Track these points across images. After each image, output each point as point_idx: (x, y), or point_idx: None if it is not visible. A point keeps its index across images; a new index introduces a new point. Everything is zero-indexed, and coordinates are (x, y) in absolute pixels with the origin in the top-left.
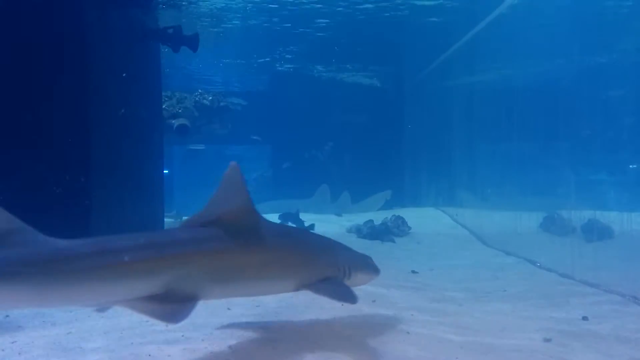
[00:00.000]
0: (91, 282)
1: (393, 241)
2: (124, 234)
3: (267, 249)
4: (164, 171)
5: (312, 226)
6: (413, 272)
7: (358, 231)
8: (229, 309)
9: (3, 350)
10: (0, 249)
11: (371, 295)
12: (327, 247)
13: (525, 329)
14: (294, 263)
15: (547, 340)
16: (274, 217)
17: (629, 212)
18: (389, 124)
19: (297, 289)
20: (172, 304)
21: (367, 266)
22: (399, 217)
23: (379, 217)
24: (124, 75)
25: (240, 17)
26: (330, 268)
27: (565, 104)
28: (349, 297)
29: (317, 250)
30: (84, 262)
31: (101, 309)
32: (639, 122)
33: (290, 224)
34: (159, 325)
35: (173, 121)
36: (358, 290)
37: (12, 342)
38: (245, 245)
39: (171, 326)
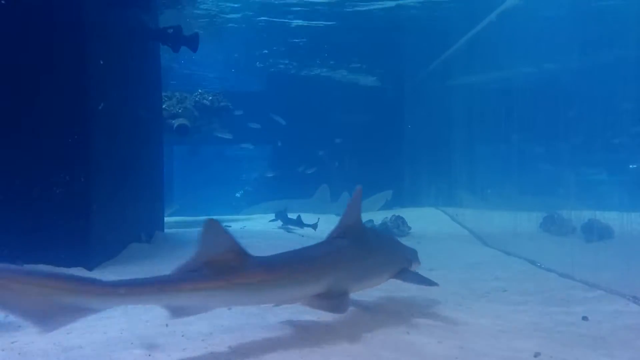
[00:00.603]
0: (286, 287)
1: None
2: (292, 252)
3: (376, 252)
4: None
5: (315, 225)
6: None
7: None
8: (229, 308)
9: (3, 350)
10: (229, 267)
11: (371, 295)
12: (398, 245)
13: (525, 329)
14: (390, 261)
15: (537, 354)
16: (273, 217)
17: (629, 212)
18: (389, 124)
19: (388, 279)
20: (334, 299)
21: (416, 258)
22: (399, 217)
23: (379, 217)
24: (100, 62)
25: (239, 17)
26: (403, 261)
27: (565, 104)
28: (429, 282)
29: (396, 249)
30: (282, 273)
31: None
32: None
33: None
34: (159, 325)
35: (173, 121)
36: (358, 291)
37: (12, 342)
38: (365, 251)
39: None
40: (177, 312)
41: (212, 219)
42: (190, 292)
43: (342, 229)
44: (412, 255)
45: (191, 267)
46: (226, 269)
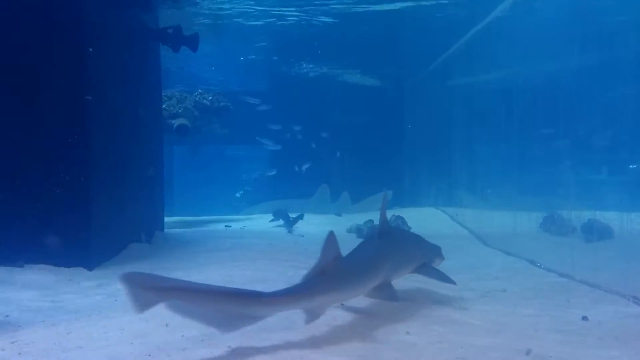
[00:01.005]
0: (361, 282)
1: None
2: (356, 253)
3: (407, 248)
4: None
5: (301, 215)
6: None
7: (358, 231)
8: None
9: (3, 350)
10: (337, 273)
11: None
12: (421, 242)
13: (525, 329)
14: (416, 256)
15: (529, 351)
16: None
17: (629, 212)
18: (389, 124)
19: (412, 272)
20: (387, 290)
21: (439, 254)
22: (399, 217)
23: (378, 216)
24: (90, 50)
25: (241, 17)
26: (425, 256)
27: (565, 104)
28: (447, 279)
29: (420, 245)
30: (359, 271)
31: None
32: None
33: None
34: (159, 325)
35: (173, 121)
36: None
37: (12, 342)
38: (400, 247)
39: (189, 339)
40: (310, 315)
41: (332, 232)
42: (320, 298)
43: (378, 229)
44: (436, 252)
45: (315, 273)
46: (336, 274)
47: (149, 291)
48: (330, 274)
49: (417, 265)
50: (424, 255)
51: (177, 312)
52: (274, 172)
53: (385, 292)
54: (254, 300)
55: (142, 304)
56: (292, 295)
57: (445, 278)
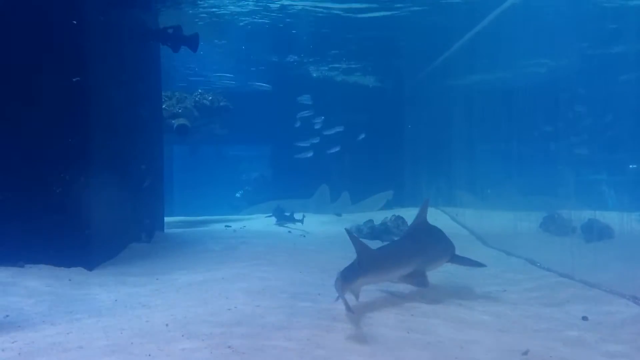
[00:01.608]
0: (394, 268)
1: None
2: (391, 245)
3: (439, 242)
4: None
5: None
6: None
7: (358, 231)
8: (229, 309)
9: (3, 350)
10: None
11: (371, 295)
12: (447, 238)
13: (525, 329)
14: (445, 249)
15: (526, 352)
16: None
17: (629, 212)
18: (389, 124)
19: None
20: (419, 277)
21: (454, 247)
22: (399, 217)
23: (378, 217)
24: (100, 62)
25: (243, 16)
26: (452, 249)
27: (565, 104)
28: (478, 264)
29: (446, 240)
30: (394, 259)
31: None
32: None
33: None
34: (159, 325)
35: (173, 121)
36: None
37: (12, 342)
38: (433, 240)
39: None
40: (352, 292)
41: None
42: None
43: (415, 226)
44: (452, 244)
45: (356, 263)
46: (371, 261)
47: None
48: (365, 262)
49: (447, 257)
50: (450, 249)
51: None
52: (271, 174)
53: (416, 279)
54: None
55: None
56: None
57: (474, 263)
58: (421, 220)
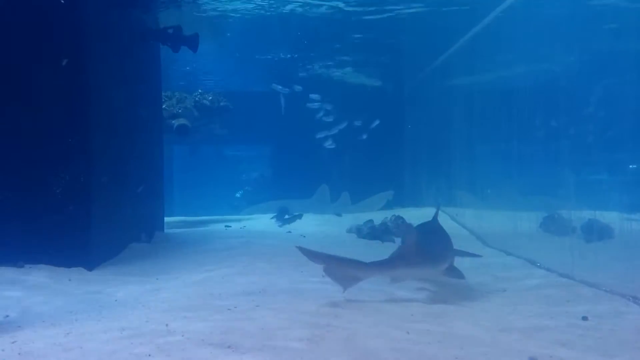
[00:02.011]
0: (425, 266)
1: (393, 241)
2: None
3: (450, 242)
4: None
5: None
6: None
7: (358, 231)
8: (229, 309)
9: (3, 350)
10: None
11: (371, 295)
12: (448, 236)
13: (525, 329)
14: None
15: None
16: (272, 216)
17: (629, 212)
18: (389, 124)
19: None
20: (454, 271)
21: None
22: (399, 217)
23: (379, 217)
24: (100, 62)
25: (240, 16)
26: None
27: (565, 104)
28: (475, 255)
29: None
30: (423, 257)
31: None
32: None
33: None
34: (159, 325)
35: (173, 121)
36: (359, 292)
37: (12, 342)
38: (448, 240)
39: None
40: (394, 280)
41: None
42: (400, 271)
43: (431, 224)
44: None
45: (392, 257)
46: (409, 258)
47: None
48: (407, 255)
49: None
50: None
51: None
52: (271, 174)
53: (453, 273)
54: (361, 266)
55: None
56: (382, 267)
57: (472, 255)
58: (435, 220)
